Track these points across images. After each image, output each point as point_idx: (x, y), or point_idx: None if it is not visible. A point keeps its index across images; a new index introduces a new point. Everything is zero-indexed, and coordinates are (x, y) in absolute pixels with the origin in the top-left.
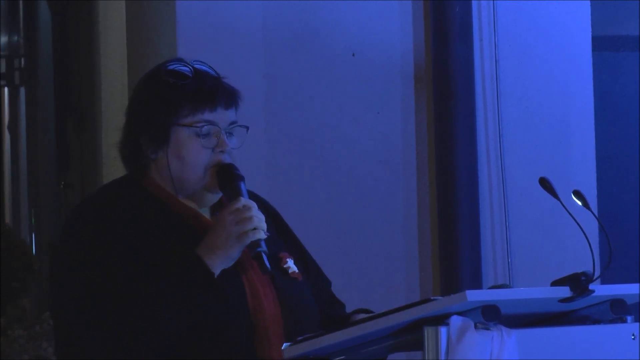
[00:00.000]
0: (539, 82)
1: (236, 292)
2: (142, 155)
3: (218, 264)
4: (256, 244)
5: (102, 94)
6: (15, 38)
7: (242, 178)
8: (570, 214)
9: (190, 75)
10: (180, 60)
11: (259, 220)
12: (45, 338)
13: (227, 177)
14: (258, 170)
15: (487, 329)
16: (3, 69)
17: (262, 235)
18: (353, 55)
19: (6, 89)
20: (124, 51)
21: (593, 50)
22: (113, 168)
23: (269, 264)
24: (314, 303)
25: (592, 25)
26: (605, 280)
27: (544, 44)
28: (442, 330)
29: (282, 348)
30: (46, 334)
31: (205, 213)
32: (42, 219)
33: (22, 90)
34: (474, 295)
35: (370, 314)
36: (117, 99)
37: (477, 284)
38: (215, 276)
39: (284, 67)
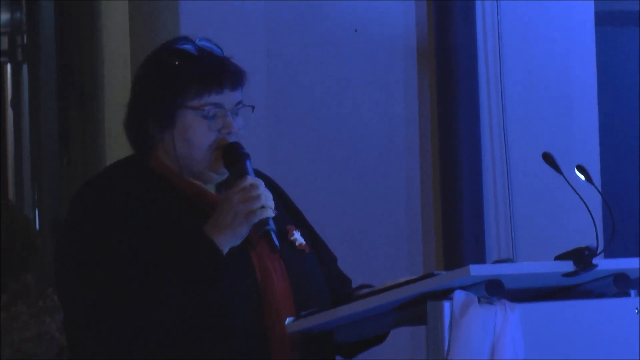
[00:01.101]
0: (541, 57)
1: (245, 268)
2: (148, 136)
3: (226, 243)
4: (264, 222)
5: (104, 71)
6: (18, 15)
7: (247, 156)
8: (573, 188)
9: (196, 55)
10: (185, 39)
11: (266, 198)
12: (48, 314)
13: (232, 156)
14: (260, 149)
15: (491, 303)
16: (5, 46)
17: (270, 213)
18: (355, 31)
19: (9, 66)
20: (126, 27)
21: (596, 25)
22: (115, 144)
23: (278, 242)
24: (322, 275)
25: (595, 1)
26: (609, 254)
27: (547, 20)
28: (446, 304)
29: (286, 323)
30: (49, 309)
31: (211, 189)
32: (44, 195)
33: (25, 67)
34: (477, 270)
35: (374, 289)
36: (119, 75)
37: (481, 259)
38: (224, 254)
39: (286, 44)
